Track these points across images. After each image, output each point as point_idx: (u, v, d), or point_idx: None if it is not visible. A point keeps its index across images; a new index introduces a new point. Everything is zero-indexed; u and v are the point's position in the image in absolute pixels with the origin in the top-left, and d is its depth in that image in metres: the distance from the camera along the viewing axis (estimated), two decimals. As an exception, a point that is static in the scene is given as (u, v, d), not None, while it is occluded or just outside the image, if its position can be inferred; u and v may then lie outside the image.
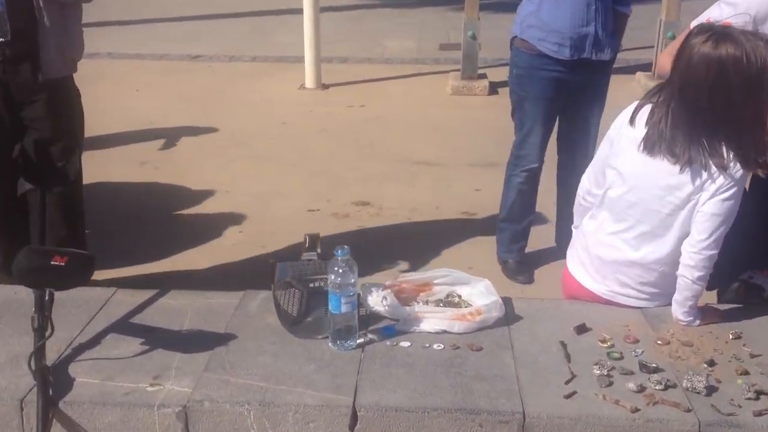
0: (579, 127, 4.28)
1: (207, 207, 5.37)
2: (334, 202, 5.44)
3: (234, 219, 5.19)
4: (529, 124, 4.17)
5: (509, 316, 2.57)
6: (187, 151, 6.45)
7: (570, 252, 2.91)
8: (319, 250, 2.62)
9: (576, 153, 4.34)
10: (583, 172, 4.62)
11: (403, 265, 4.58)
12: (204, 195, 5.56)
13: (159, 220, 5.18)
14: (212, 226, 5.08)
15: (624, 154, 2.63)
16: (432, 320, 2.48)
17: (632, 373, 2.27)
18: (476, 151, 6.36)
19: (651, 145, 2.54)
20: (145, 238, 4.88)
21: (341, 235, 4.99)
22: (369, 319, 2.54)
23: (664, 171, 2.51)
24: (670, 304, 2.62)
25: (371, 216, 5.27)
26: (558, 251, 4.76)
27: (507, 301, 2.65)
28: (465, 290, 2.67)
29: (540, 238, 4.69)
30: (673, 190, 2.51)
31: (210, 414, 2.12)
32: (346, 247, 2.35)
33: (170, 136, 6.68)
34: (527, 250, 4.60)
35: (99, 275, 4.15)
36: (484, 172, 5.87)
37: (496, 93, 8.07)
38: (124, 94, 7.98)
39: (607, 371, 2.27)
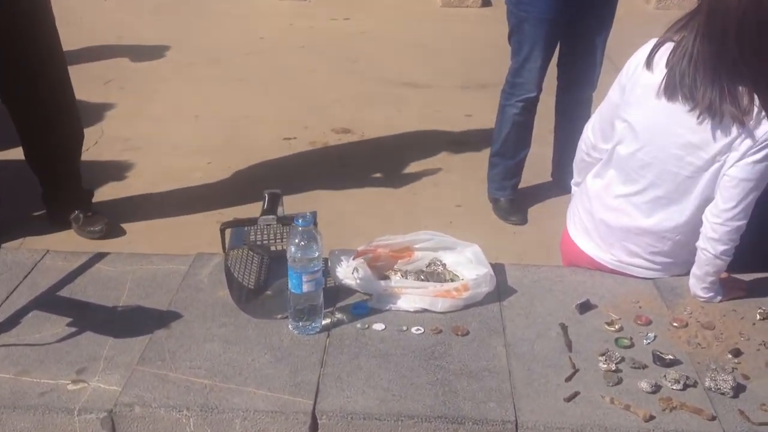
0: (583, 51, 3.85)
1: (172, 133, 4.94)
2: (312, 130, 5.02)
3: (202, 148, 4.77)
4: (527, 48, 3.72)
5: (501, 289, 2.20)
6: (155, 69, 5.97)
7: (570, 213, 2.53)
8: (281, 212, 2.23)
9: (579, 79, 3.93)
10: (587, 100, 4.23)
11: (386, 202, 4.20)
12: (170, 119, 5.12)
13: (118, 148, 4.76)
14: (178, 156, 4.67)
15: (638, 105, 2.22)
16: (411, 297, 2.11)
17: (644, 366, 1.92)
18: (467, 72, 5.91)
19: (671, 90, 2.12)
20: (102, 169, 4.46)
21: (318, 168, 4.59)
22: (338, 292, 2.18)
23: (684, 126, 2.11)
24: (685, 273, 2.26)
25: (352, 146, 4.86)
26: (554, 186, 4.39)
27: (499, 269, 2.29)
28: (450, 257, 2.29)
29: (534, 170, 4.30)
30: (694, 150, 2.11)
31: (141, 421, 1.77)
32: (308, 214, 1.96)
33: (138, 53, 6.19)
34: (520, 185, 4.22)
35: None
36: (475, 95, 5.44)
37: (490, 5, 7.55)
38: (90, 5, 7.41)
39: (615, 364, 1.92)
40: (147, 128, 5.00)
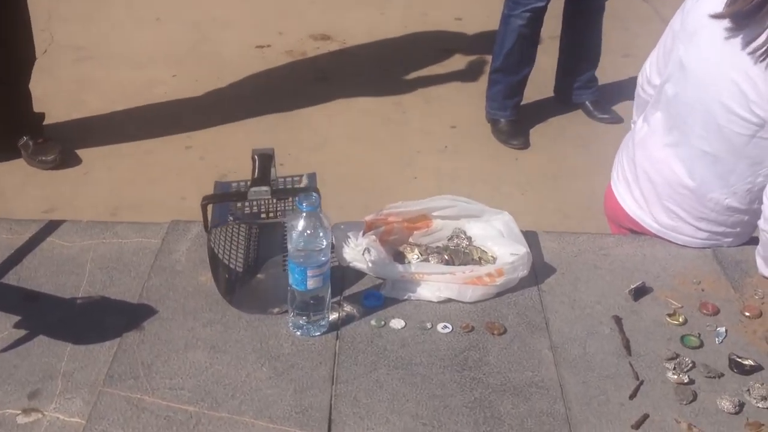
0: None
1: (131, 40, 4.41)
2: (287, 36, 4.53)
3: (165, 57, 4.26)
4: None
5: (537, 266, 1.85)
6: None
7: (616, 160, 2.15)
8: (273, 175, 1.83)
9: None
10: (597, 9, 3.80)
11: (373, 122, 3.78)
12: (128, 23, 4.57)
13: (70, 58, 4.24)
14: (138, 67, 4.17)
15: (693, 35, 1.83)
16: (434, 285, 1.74)
17: (720, 375, 1.60)
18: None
19: (736, 18, 1.72)
20: (54, 83, 3.96)
21: (296, 82, 4.13)
22: (343, 275, 1.80)
23: (741, 70, 1.73)
24: (744, 243, 1.93)
25: (333, 55, 4.39)
26: (557, 103, 4.00)
27: (531, 238, 1.92)
28: (476, 228, 1.92)
29: (535, 84, 3.90)
30: (748, 103, 1.74)
31: (113, 467, 1.41)
32: (314, 194, 1.56)
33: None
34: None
35: None
36: (465, -5, 4.94)
37: None
38: None
39: (687, 372, 1.58)
40: (102, 33, 4.48)
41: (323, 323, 1.67)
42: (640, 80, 2.10)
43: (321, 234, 1.57)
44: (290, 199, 1.77)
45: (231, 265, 1.81)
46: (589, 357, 1.63)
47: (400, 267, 1.75)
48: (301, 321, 1.65)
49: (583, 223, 3.23)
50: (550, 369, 1.60)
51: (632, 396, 1.55)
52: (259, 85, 4.10)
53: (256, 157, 1.82)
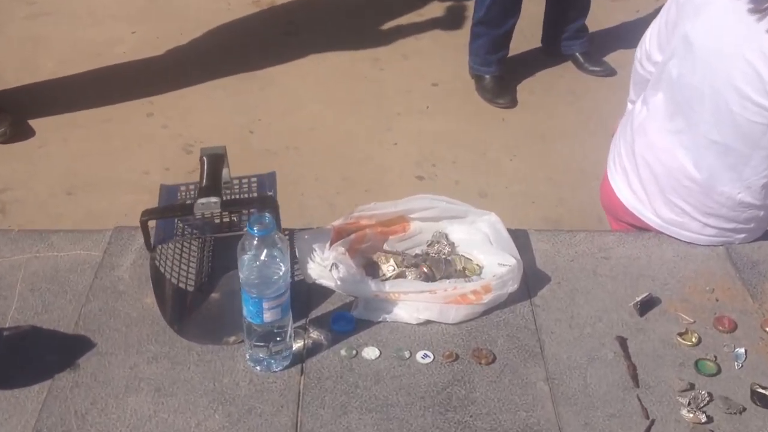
0: None
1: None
2: (254, -15, 4.21)
3: (123, 12, 3.96)
4: None
5: (530, 274, 1.62)
6: None
7: (612, 145, 1.92)
8: (226, 176, 1.59)
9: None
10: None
11: (348, 82, 3.51)
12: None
13: (20, 15, 3.92)
14: (95, 24, 3.86)
15: (701, 9, 1.58)
16: (412, 304, 1.52)
17: (742, 410, 1.40)
18: None
19: None
20: (3, 43, 3.66)
21: (262, 36, 3.84)
22: (311, 293, 1.57)
23: (761, 50, 1.49)
24: (758, 239, 1.72)
25: (300, 5, 4.10)
26: (545, 55, 3.74)
27: (521, 239, 1.70)
28: (459, 231, 1.70)
29: (520, 35, 3.62)
30: (765, 87, 1.50)
31: None
32: (266, 215, 1.32)
33: None
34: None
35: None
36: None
37: None
38: None
39: (703, 408, 1.38)
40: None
41: (286, 354, 1.45)
42: (638, 54, 1.85)
43: (278, 259, 1.34)
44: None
45: (181, 284, 1.58)
46: (590, 390, 1.42)
47: (372, 285, 1.52)
48: (260, 355, 1.43)
49: (576, 192, 3.01)
50: (547, 407, 1.39)
51: (643, 438, 1.34)
52: (224, 41, 3.81)
53: (204, 159, 1.58)
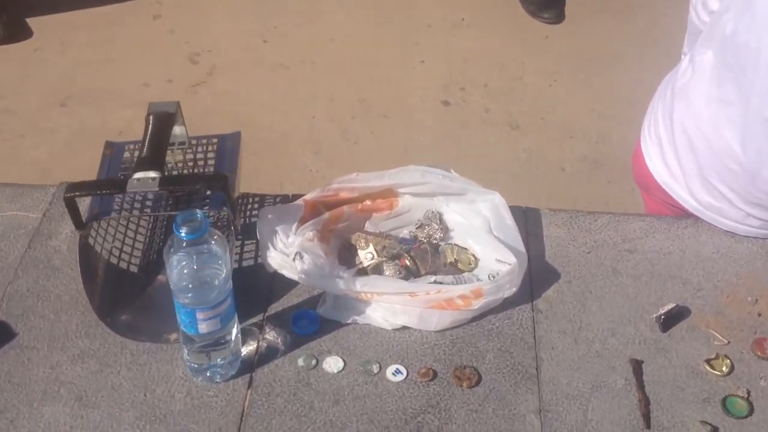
0: None
1: None
2: None
3: None
4: None
5: (534, 270, 1.36)
6: None
7: (650, 109, 1.60)
8: (180, 133, 1.34)
9: None
10: None
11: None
12: None
13: None
14: None
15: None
16: (388, 306, 1.27)
17: (775, 466, 1.13)
18: None
19: None
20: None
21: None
22: (274, 282, 1.33)
23: None
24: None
25: None
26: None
27: (532, 220, 1.44)
28: (456, 213, 1.43)
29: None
30: None
31: None
32: (197, 213, 1.07)
33: None
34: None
35: None
36: None
37: None
38: None
39: (726, 462, 1.13)
40: None
41: (232, 360, 1.22)
42: (693, 0, 1.51)
43: (215, 264, 1.09)
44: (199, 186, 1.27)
45: (122, 264, 1.35)
46: (590, 429, 1.17)
47: (341, 282, 1.27)
48: (200, 362, 1.21)
49: (622, 127, 2.67)
50: (536, 449, 1.15)
51: (646, 502, 1.10)
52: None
53: (150, 118, 1.31)
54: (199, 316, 1.13)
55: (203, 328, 1.14)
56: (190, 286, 1.10)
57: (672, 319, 1.31)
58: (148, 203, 1.34)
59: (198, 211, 1.08)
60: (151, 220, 1.42)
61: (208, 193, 1.30)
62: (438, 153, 2.56)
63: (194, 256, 1.08)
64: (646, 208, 1.67)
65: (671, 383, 1.24)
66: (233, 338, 1.21)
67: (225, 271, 1.11)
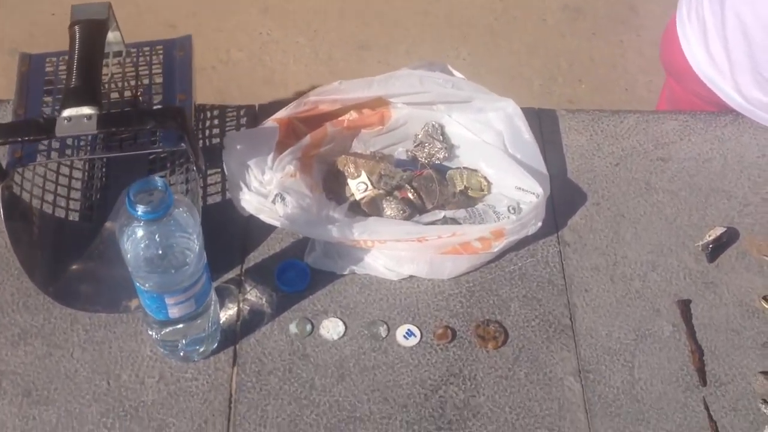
0: None
1: None
2: None
3: None
4: None
5: (556, 192, 1.15)
6: None
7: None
8: (115, 41, 1.06)
9: None
10: None
11: None
12: None
13: None
14: None
15: None
16: (392, 254, 1.06)
17: None
18: None
19: None
20: None
21: None
22: (249, 229, 1.10)
23: None
24: None
25: None
26: None
27: (547, 122, 1.21)
28: (460, 125, 1.19)
29: None
30: None
31: None
32: (158, 182, 0.82)
33: None
34: None
35: None
36: None
37: None
38: None
39: (793, 423, 0.99)
40: None
41: (210, 332, 1.00)
42: None
43: (188, 238, 0.85)
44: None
45: (58, 213, 1.10)
46: (639, 390, 1.01)
47: (333, 228, 1.05)
48: (172, 340, 0.99)
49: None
50: (578, 420, 0.98)
51: (709, 479, 0.95)
52: None
53: (76, 31, 1.02)
54: (169, 301, 0.90)
55: (175, 312, 0.92)
56: (153, 273, 0.86)
57: (721, 248, 1.12)
58: (83, 144, 1.07)
59: (158, 179, 0.82)
60: (79, 171, 1.16)
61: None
62: (408, 5, 2.26)
63: (156, 235, 0.84)
64: (666, 97, 1.45)
65: (724, 326, 1.07)
66: (212, 307, 0.98)
67: (198, 246, 0.87)
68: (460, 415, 0.98)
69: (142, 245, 0.84)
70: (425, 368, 1.02)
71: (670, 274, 1.11)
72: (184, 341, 0.98)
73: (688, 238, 1.14)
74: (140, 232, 0.83)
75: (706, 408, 1.00)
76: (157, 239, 0.84)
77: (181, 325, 0.95)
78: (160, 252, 0.84)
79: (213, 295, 0.99)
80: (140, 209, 0.80)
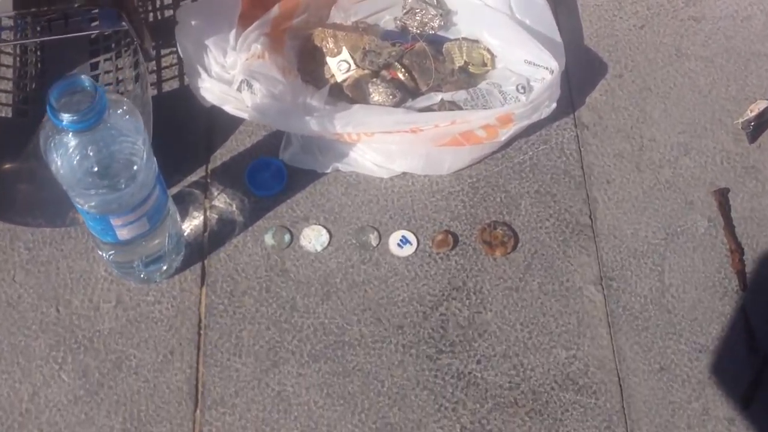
0: None
1: None
2: None
3: None
4: None
5: (572, 63, 0.97)
6: None
7: None
8: None
9: None
10: None
11: None
12: None
13: None
14: None
15: None
16: (381, 148, 0.90)
17: None
18: None
19: None
20: None
21: None
22: (212, 120, 0.94)
23: None
24: None
25: None
26: None
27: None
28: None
29: None
30: None
31: None
32: (85, 81, 0.65)
33: None
34: None
35: None
36: None
37: None
38: None
39: None
40: None
41: (172, 247, 0.86)
42: None
43: (131, 147, 0.70)
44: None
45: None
46: (671, 302, 0.88)
47: (312, 121, 0.88)
48: (129, 262, 0.85)
49: None
50: (601, 337, 0.86)
51: (747, 401, 0.83)
52: None
53: None
54: (116, 222, 0.75)
55: (124, 234, 0.77)
56: (92, 191, 0.70)
57: (764, 125, 0.96)
58: (4, 29, 0.89)
59: (84, 78, 0.65)
60: (18, 52, 0.97)
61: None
62: None
63: (90, 148, 0.67)
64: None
65: (768, 220, 0.92)
66: (169, 220, 0.83)
67: (144, 154, 0.71)
68: (464, 335, 0.85)
69: (75, 160, 0.67)
70: (423, 282, 0.88)
71: (706, 158, 0.95)
72: (140, 262, 0.83)
73: (725, 115, 0.98)
74: (70, 145, 0.67)
75: (746, 317, 0.87)
76: (91, 153, 0.67)
77: (133, 246, 0.80)
78: (96, 169, 0.68)
79: (170, 206, 0.83)
80: (65, 118, 0.64)
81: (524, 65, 0.93)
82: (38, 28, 0.88)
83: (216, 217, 0.91)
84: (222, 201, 0.91)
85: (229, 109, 0.91)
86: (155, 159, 0.75)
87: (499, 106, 0.91)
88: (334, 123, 0.88)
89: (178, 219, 0.87)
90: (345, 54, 0.95)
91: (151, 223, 0.78)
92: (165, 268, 0.86)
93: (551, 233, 0.91)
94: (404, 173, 0.93)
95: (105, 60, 0.95)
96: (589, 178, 0.94)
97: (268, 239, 0.89)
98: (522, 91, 0.93)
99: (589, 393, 0.83)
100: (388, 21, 1.00)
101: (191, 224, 0.90)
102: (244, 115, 0.91)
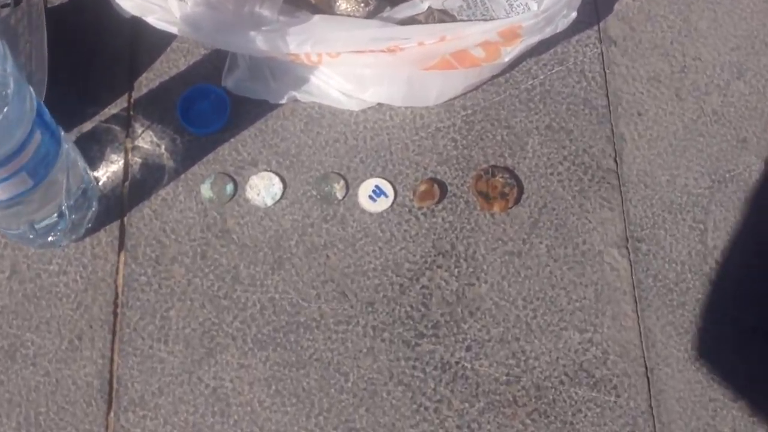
0: None
1: None
2: None
3: None
4: None
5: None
6: None
7: None
8: None
9: None
10: None
11: None
12: None
13: None
14: None
15: None
16: (351, 72, 0.70)
17: None
18: None
19: None
20: None
21: None
22: (136, 36, 0.74)
23: None
24: None
25: None
26: None
27: None
28: None
29: None
30: None
31: None
32: None
33: None
34: None
35: None
36: None
37: None
38: None
39: None
40: None
41: (76, 201, 0.68)
42: None
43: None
44: None
45: None
46: (715, 269, 0.69)
47: (261, 35, 0.68)
48: (20, 224, 0.66)
49: None
50: (625, 316, 0.68)
51: None
52: None
53: None
54: (-16, 181, 0.55)
55: (2, 193, 0.58)
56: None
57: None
58: None
59: None
60: None
61: None
62: None
63: None
64: None
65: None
66: (67, 171, 0.64)
67: (11, 87, 0.52)
68: (451, 314, 0.67)
69: None
70: (401, 245, 0.69)
71: (764, 82, 0.75)
72: (28, 228, 0.64)
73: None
74: None
75: None
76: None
77: (17, 207, 0.61)
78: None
79: (69, 153, 0.64)
80: None
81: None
82: None
83: (139, 161, 0.71)
84: (147, 140, 0.72)
85: (154, 21, 0.70)
86: (38, 90, 0.55)
87: (503, 16, 0.70)
88: (290, 40, 0.68)
89: (83, 168, 0.68)
90: (305, -51, 0.73)
91: (36, 178, 0.59)
92: (68, 229, 0.67)
93: (565, 182, 0.71)
94: (379, 104, 0.73)
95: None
96: (616, 110, 0.74)
97: (206, 191, 0.70)
98: (532, -3, 0.72)
99: (608, 389, 0.65)
100: None
101: (107, 171, 0.71)
102: (174, 30, 0.70)
